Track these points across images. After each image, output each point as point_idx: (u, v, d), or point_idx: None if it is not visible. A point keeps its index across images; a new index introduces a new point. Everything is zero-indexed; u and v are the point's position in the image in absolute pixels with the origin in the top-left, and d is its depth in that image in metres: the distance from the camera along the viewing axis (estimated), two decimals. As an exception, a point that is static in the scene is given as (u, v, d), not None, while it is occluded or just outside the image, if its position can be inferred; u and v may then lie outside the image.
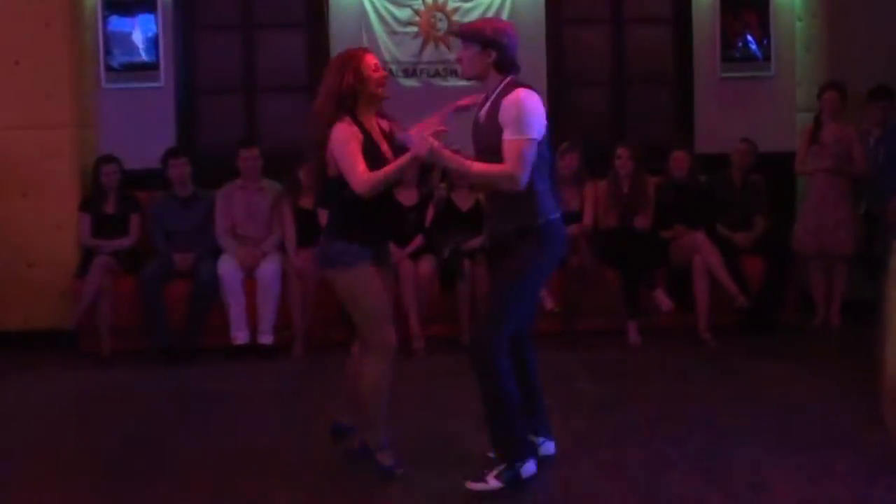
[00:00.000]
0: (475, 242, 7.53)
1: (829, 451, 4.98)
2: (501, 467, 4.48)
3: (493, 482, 4.45)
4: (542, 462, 4.72)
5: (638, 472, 4.73)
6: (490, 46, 4.49)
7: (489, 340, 4.44)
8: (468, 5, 8.71)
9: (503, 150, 4.34)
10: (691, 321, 7.62)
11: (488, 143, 4.45)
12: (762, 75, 9.02)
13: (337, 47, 8.70)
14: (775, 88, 8.99)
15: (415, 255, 7.70)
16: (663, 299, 7.60)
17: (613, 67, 8.94)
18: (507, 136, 4.34)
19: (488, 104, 4.52)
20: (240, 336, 7.49)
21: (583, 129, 8.63)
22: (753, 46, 8.99)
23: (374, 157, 4.50)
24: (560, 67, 8.71)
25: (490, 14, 8.67)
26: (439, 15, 8.70)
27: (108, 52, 8.53)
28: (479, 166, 4.44)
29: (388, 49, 8.68)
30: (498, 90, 4.49)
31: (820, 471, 4.71)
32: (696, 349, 7.34)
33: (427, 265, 7.66)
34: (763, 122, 8.82)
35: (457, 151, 4.40)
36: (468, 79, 4.71)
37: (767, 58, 9.00)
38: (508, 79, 4.51)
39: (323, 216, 7.66)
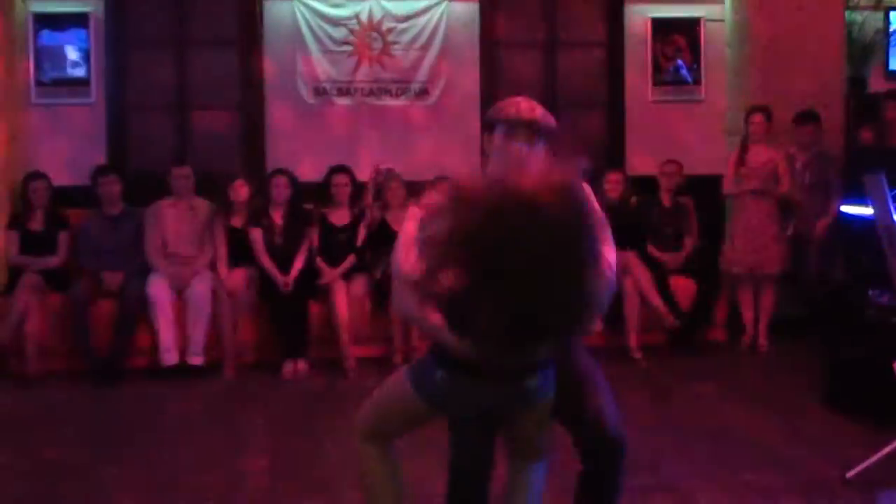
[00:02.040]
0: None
1: (754, 470, 5.05)
2: None
3: None
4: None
5: (560, 490, 4.74)
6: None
7: None
8: (403, 25, 8.74)
9: None
10: (622, 340, 7.69)
11: None
12: (692, 99, 9.15)
13: (271, 66, 8.70)
14: (705, 112, 9.12)
15: (347, 275, 7.70)
16: (594, 320, 7.65)
17: (546, 90, 9.01)
18: None
19: None
20: (169, 357, 7.41)
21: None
22: (684, 71, 9.12)
23: None
24: (493, 91, 8.76)
25: (425, 34, 8.71)
26: (374, 34, 8.71)
27: (38, 68, 8.43)
28: None
29: (323, 68, 8.67)
30: None
31: (745, 489, 4.77)
32: (627, 368, 7.40)
33: (359, 285, 7.66)
34: (693, 146, 8.95)
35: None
36: None
37: (697, 82, 9.14)
38: None
39: (255, 236, 7.67)
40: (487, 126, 3.48)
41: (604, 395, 3.57)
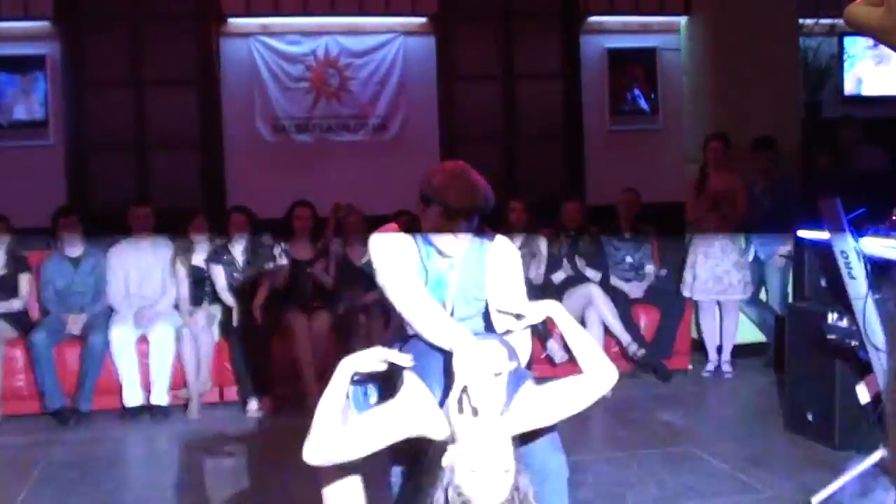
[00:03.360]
0: (370, 297, 7.56)
1: (720, 496, 5.08)
2: None
3: None
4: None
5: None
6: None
7: None
8: (360, 61, 8.79)
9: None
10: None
11: None
12: (650, 128, 9.24)
13: (228, 104, 8.72)
14: (663, 140, 9.21)
15: (309, 311, 7.68)
16: (556, 351, 7.69)
17: (505, 123, 9.07)
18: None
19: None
20: (133, 398, 7.37)
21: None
22: (641, 100, 9.21)
23: None
24: (452, 124, 8.81)
25: (382, 69, 8.76)
26: (331, 70, 8.75)
27: (-5, 110, 8.41)
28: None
29: (280, 105, 8.70)
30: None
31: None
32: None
33: (322, 320, 7.64)
34: (652, 174, 9.03)
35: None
36: None
37: (655, 111, 9.23)
38: None
39: (217, 273, 7.66)
40: (424, 199, 3.37)
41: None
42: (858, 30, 0.90)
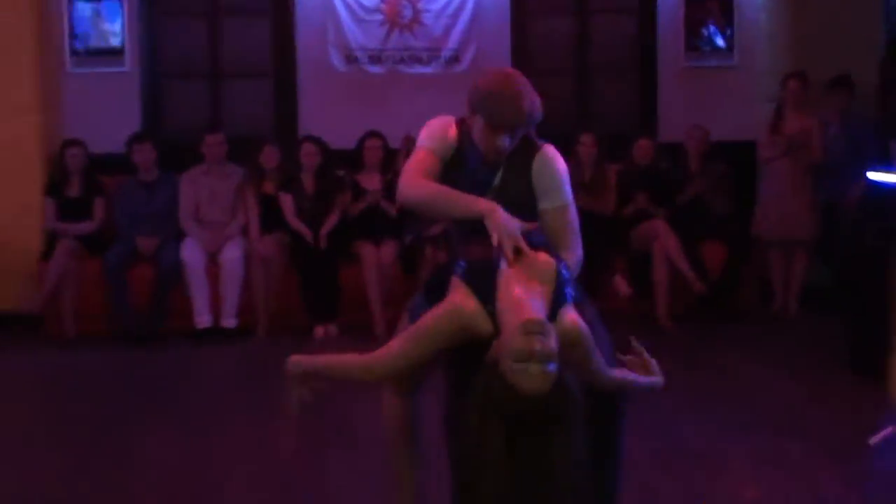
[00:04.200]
0: (437, 229, 7.61)
1: (782, 437, 5.07)
2: None
3: None
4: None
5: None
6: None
7: None
8: (434, -7, 8.75)
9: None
10: (650, 307, 7.70)
11: None
12: (726, 64, 9.10)
13: (302, 34, 8.75)
14: (738, 78, 9.05)
15: (377, 240, 7.75)
16: (622, 285, 7.69)
17: (578, 57, 9.00)
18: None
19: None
20: (203, 320, 7.54)
21: (548, 117, 8.68)
22: (717, 36, 9.07)
23: None
24: (524, 56, 8.75)
25: (454, 4, 8.72)
26: (405, 2, 8.73)
27: (73, 37, 8.51)
28: None
29: (354, 36, 8.70)
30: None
31: (773, 456, 4.80)
32: (655, 335, 7.37)
33: (389, 250, 7.72)
34: (727, 111, 8.89)
35: None
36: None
37: (731, 48, 9.08)
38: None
39: (286, 201, 7.76)
40: (471, 107, 3.38)
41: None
42: None
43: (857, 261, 6.39)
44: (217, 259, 7.63)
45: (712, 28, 9.05)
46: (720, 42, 9.06)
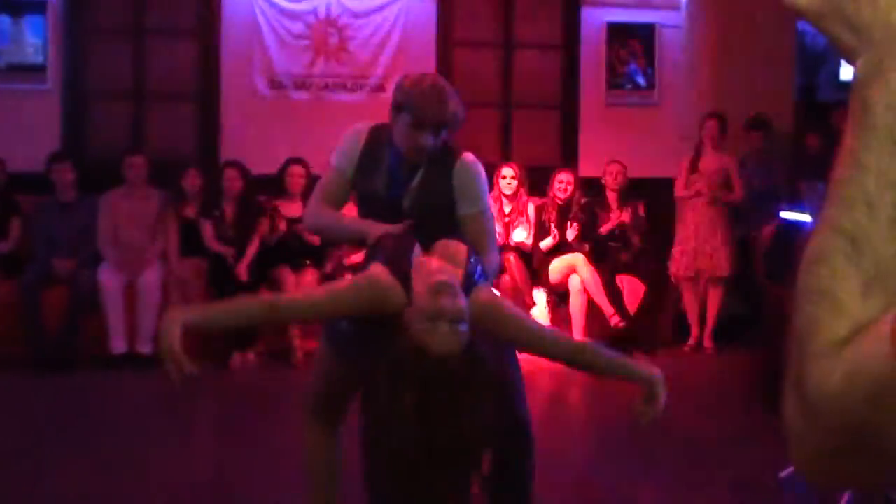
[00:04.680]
0: (357, 257, 7.61)
1: (689, 468, 5.16)
2: None
3: None
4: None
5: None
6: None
7: None
8: (360, 21, 8.79)
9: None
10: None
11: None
12: (647, 103, 9.27)
13: (227, 58, 8.73)
14: (658, 116, 9.23)
15: (297, 268, 7.73)
16: (539, 318, 7.76)
17: (502, 91, 9.09)
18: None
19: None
20: (119, 345, 7.43)
21: (470, 148, 8.76)
22: (638, 75, 9.24)
23: None
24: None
25: (382, 31, 8.77)
26: (331, 29, 8.75)
27: (-6, 53, 8.40)
28: None
29: (280, 61, 8.70)
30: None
31: (679, 487, 4.88)
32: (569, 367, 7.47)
33: (309, 278, 7.70)
34: (645, 148, 9.05)
35: None
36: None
37: (652, 86, 9.25)
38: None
39: (205, 227, 7.71)
40: (396, 105, 3.43)
41: (518, 380, 3.68)
42: (798, 14, 0.94)
43: (770, 297, 6.53)
44: (135, 283, 7.53)
45: (634, 67, 9.22)
46: (641, 81, 9.23)
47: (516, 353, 3.69)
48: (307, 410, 3.62)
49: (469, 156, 3.54)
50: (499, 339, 3.09)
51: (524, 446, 3.67)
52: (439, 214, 3.43)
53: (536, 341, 3.21)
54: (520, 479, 3.68)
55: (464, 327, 2.79)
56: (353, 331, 3.31)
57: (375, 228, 3.31)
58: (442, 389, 2.73)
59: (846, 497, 4.25)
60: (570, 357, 3.29)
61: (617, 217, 8.27)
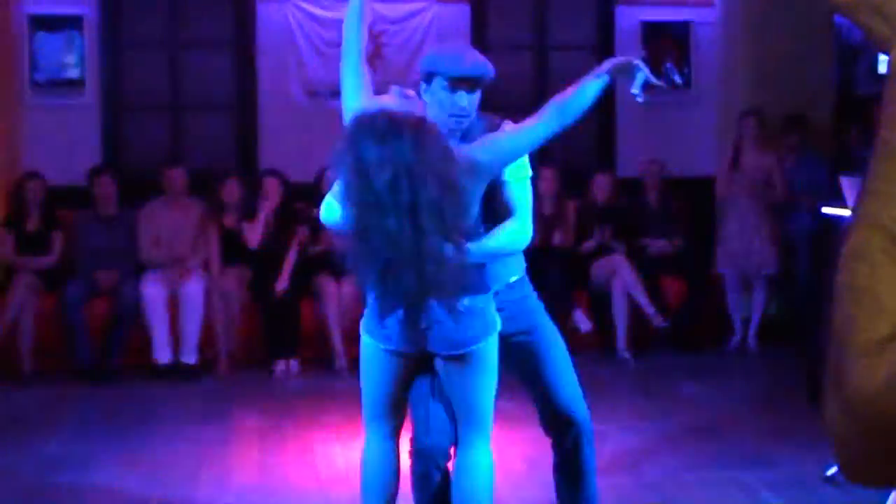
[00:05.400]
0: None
1: (736, 467, 5.12)
2: None
3: None
4: None
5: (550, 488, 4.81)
6: None
7: None
8: (394, 28, 8.80)
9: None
10: (611, 341, 7.75)
11: None
12: (683, 101, 9.22)
13: (264, 67, 8.78)
14: (695, 114, 9.18)
15: (339, 275, 7.75)
16: (582, 320, 7.73)
17: (537, 93, 9.07)
18: None
19: None
20: (163, 356, 7.47)
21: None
22: (674, 73, 9.19)
23: None
24: (485, 91, 8.80)
25: (417, 37, 8.79)
26: (366, 37, 8.76)
27: (33, 68, 8.49)
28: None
29: (316, 70, 8.73)
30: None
31: (727, 486, 4.85)
32: (615, 367, 7.46)
33: (351, 285, 7.71)
34: (683, 147, 9.01)
35: None
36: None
37: (688, 84, 9.21)
38: None
39: (251, 232, 7.74)
40: (426, 77, 3.42)
41: (566, 376, 3.64)
42: (832, 6, 0.92)
43: (813, 294, 6.47)
44: (177, 294, 7.58)
45: (669, 65, 9.18)
46: (677, 79, 9.19)
47: (556, 339, 3.66)
48: (365, 417, 3.54)
49: (511, 124, 3.52)
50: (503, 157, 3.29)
51: (576, 435, 3.65)
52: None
53: (525, 136, 3.33)
54: (580, 470, 3.69)
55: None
56: (395, 322, 3.26)
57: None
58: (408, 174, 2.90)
59: (893, 496, 4.20)
60: (554, 121, 3.35)
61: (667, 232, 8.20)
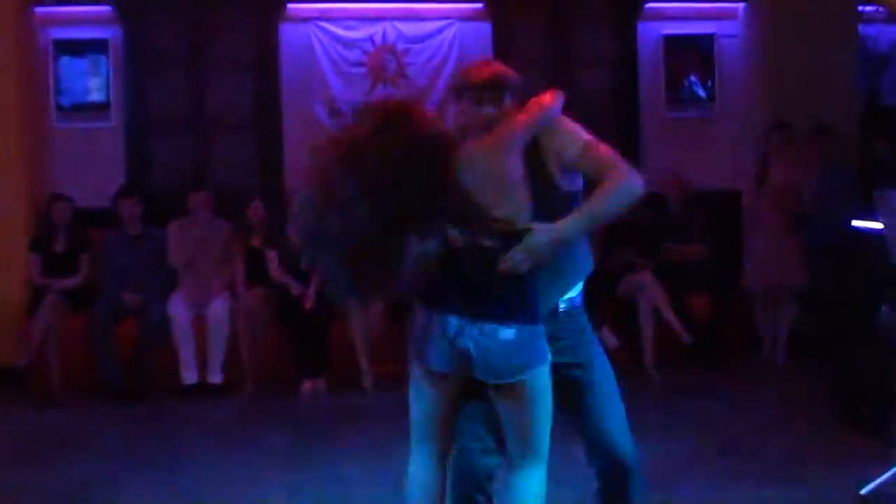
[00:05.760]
0: (424, 284, 7.64)
1: (769, 486, 5.07)
2: None
3: None
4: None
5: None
6: None
7: None
8: (417, 47, 8.82)
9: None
10: (638, 357, 7.71)
11: None
12: (707, 115, 9.19)
13: (287, 88, 8.80)
14: (720, 128, 9.15)
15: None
16: (609, 337, 7.69)
17: (562, 108, 9.06)
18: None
19: None
20: (189, 376, 7.49)
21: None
22: (698, 87, 9.17)
23: None
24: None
25: (439, 55, 8.80)
26: (388, 56, 8.79)
27: (59, 92, 8.55)
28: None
29: (339, 89, 8.76)
30: None
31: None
32: (641, 382, 7.41)
33: (377, 304, 7.69)
34: (708, 161, 8.97)
35: None
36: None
37: (712, 98, 9.18)
38: None
39: (271, 257, 7.76)
40: (455, 92, 3.44)
41: (615, 412, 3.58)
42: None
43: (842, 309, 6.41)
44: (203, 314, 7.60)
45: (693, 79, 9.16)
46: (701, 93, 9.16)
47: (609, 374, 3.58)
48: (412, 438, 3.47)
49: None
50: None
51: (622, 474, 3.60)
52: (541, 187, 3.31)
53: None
54: None
55: None
56: (443, 344, 3.23)
57: None
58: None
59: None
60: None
61: (697, 252, 8.16)
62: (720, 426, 6.33)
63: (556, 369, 3.32)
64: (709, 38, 9.17)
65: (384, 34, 8.78)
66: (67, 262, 7.86)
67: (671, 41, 9.13)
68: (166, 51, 8.84)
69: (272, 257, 7.79)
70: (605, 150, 3.38)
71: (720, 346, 7.93)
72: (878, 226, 5.16)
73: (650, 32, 9.14)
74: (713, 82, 9.16)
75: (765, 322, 8.17)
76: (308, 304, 7.55)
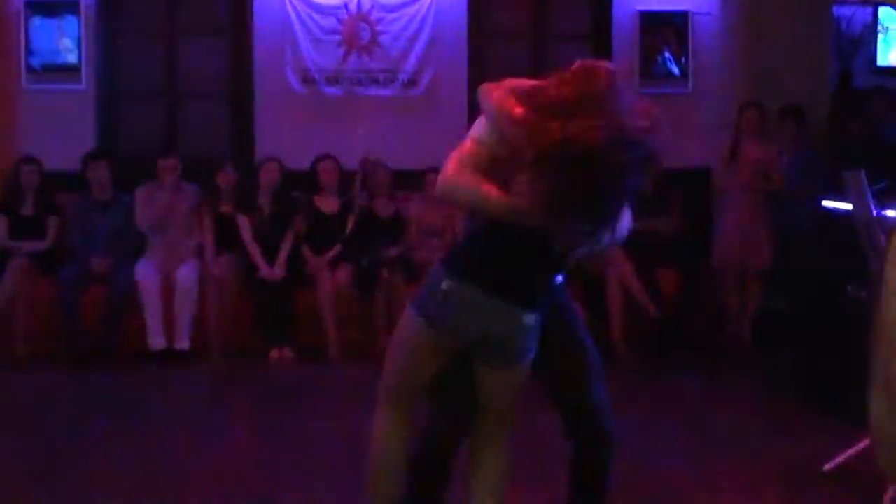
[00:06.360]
0: (393, 252, 7.65)
1: (733, 461, 5.11)
2: None
3: None
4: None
5: (549, 483, 4.80)
6: None
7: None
8: (391, 16, 8.77)
9: None
10: (605, 332, 7.73)
11: None
12: (680, 92, 9.19)
13: (259, 54, 8.74)
14: (693, 105, 9.15)
15: (333, 264, 7.74)
16: (577, 310, 7.70)
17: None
18: None
19: None
20: (156, 342, 7.46)
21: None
22: (672, 64, 9.16)
23: None
24: (481, 81, 8.79)
25: (414, 25, 8.75)
26: (363, 24, 8.74)
27: (29, 53, 8.46)
28: None
29: (312, 57, 8.70)
30: None
31: (729, 483, 4.83)
32: (608, 359, 7.40)
33: (344, 273, 7.71)
34: (681, 138, 8.95)
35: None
36: None
37: (686, 75, 9.18)
38: None
39: (243, 223, 7.73)
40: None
41: (601, 385, 3.62)
42: None
43: (812, 289, 6.45)
44: (171, 279, 7.56)
45: (668, 55, 9.15)
46: (675, 69, 9.16)
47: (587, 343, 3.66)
48: (383, 396, 3.40)
49: None
50: None
51: (603, 443, 3.63)
52: None
53: None
54: (597, 483, 3.66)
55: None
56: (453, 295, 3.16)
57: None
58: None
59: (890, 492, 4.20)
60: None
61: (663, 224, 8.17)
62: (686, 402, 6.38)
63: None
64: (684, 15, 9.15)
65: (359, 2, 8.72)
66: (35, 226, 7.80)
67: (646, 17, 9.11)
68: (139, 14, 8.77)
69: (244, 223, 7.75)
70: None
71: (687, 323, 7.96)
72: (848, 206, 5.19)
73: (626, 7, 9.12)
74: (687, 59, 9.15)
75: (732, 300, 8.20)
76: (280, 273, 7.54)
